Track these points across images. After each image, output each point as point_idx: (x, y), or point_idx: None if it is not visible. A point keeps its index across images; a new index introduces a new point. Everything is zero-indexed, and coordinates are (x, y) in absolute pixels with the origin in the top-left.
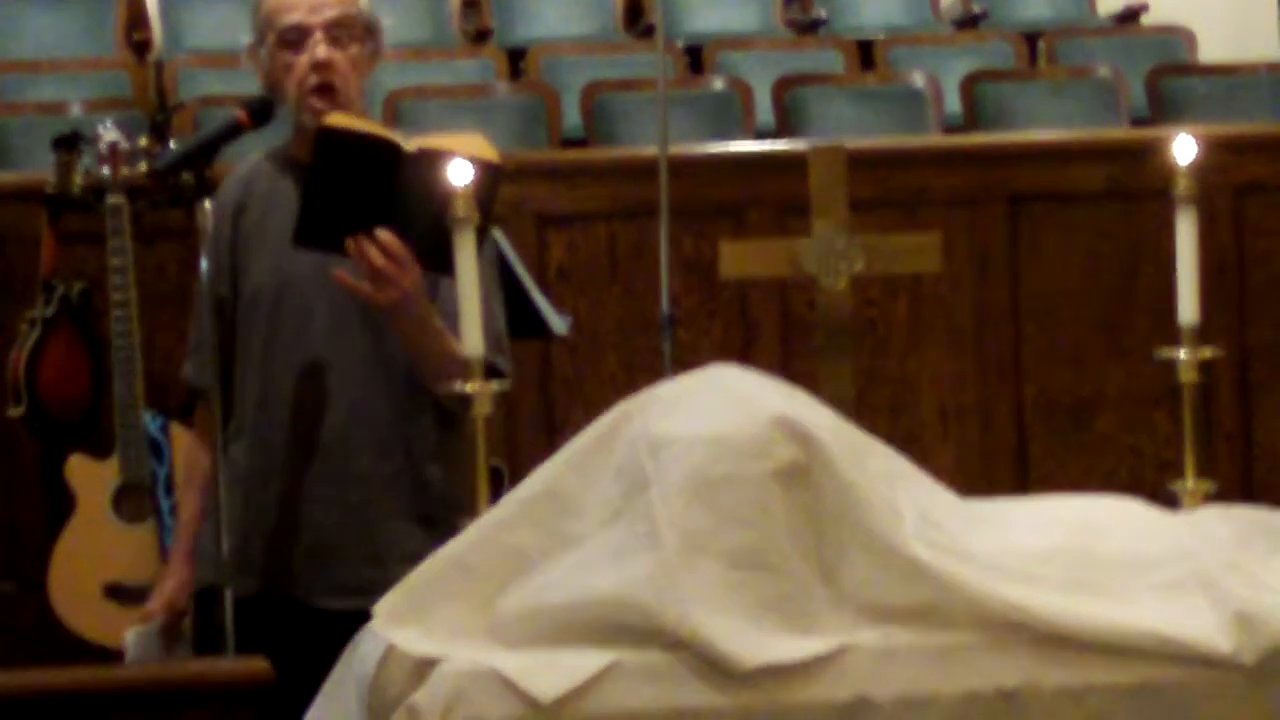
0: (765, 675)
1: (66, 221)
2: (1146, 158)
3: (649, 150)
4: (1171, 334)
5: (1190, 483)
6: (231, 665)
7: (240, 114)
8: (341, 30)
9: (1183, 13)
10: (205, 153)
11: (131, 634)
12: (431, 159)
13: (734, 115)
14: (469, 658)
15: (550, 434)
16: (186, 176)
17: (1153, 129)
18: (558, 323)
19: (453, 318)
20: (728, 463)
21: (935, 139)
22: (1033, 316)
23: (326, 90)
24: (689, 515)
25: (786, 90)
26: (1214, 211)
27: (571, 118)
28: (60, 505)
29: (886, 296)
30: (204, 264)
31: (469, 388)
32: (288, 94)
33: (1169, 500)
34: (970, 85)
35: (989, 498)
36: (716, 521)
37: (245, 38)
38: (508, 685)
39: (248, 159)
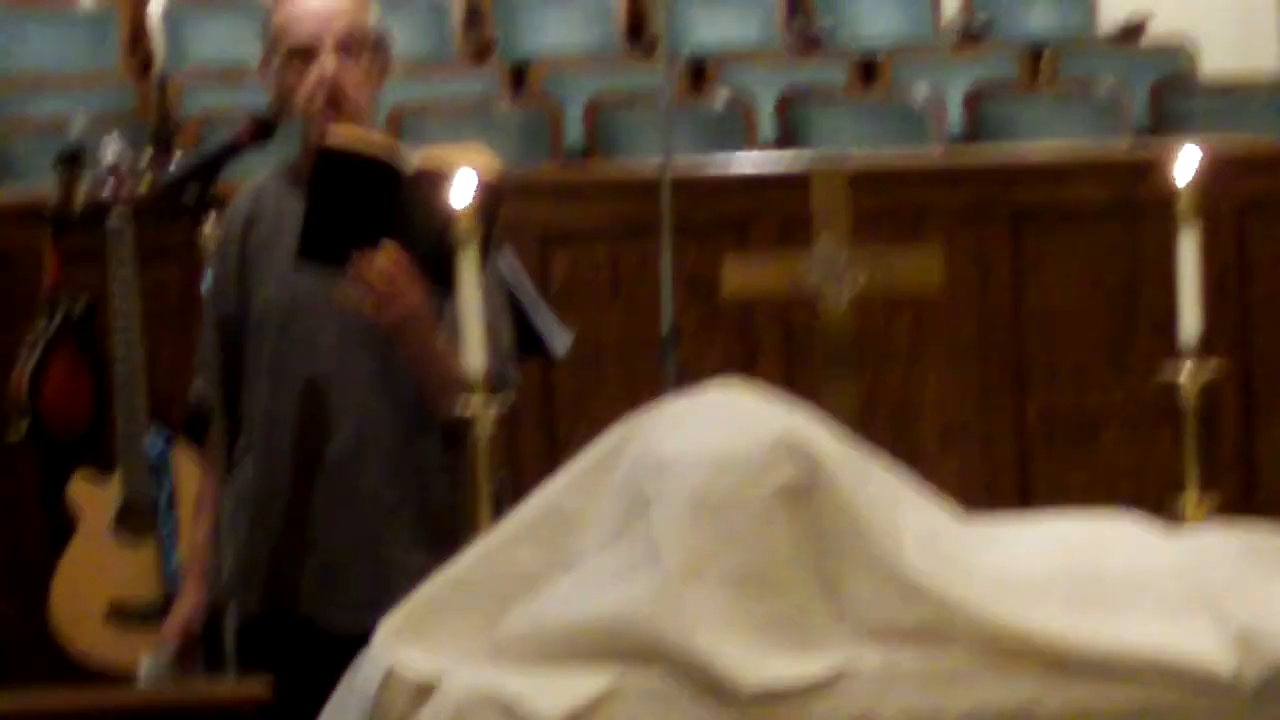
0: (767, 696)
1: (69, 238)
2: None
3: (651, 166)
4: (1174, 350)
5: (1192, 500)
6: (232, 686)
7: (244, 130)
8: (351, 45)
9: (1185, 27)
10: (208, 170)
11: (145, 661)
12: (432, 177)
13: (737, 130)
14: (471, 678)
15: (552, 452)
16: (189, 193)
17: (1155, 144)
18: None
19: (458, 336)
20: (730, 483)
21: (938, 154)
22: (1035, 333)
23: (337, 104)
24: (691, 535)
25: (789, 105)
26: (1217, 227)
27: (574, 132)
28: (62, 524)
29: (888, 313)
30: (208, 280)
31: (471, 402)
32: (297, 108)
33: (1171, 518)
34: (973, 99)
35: (991, 516)
36: (718, 542)
37: (248, 53)
38: (509, 706)
39: (257, 175)
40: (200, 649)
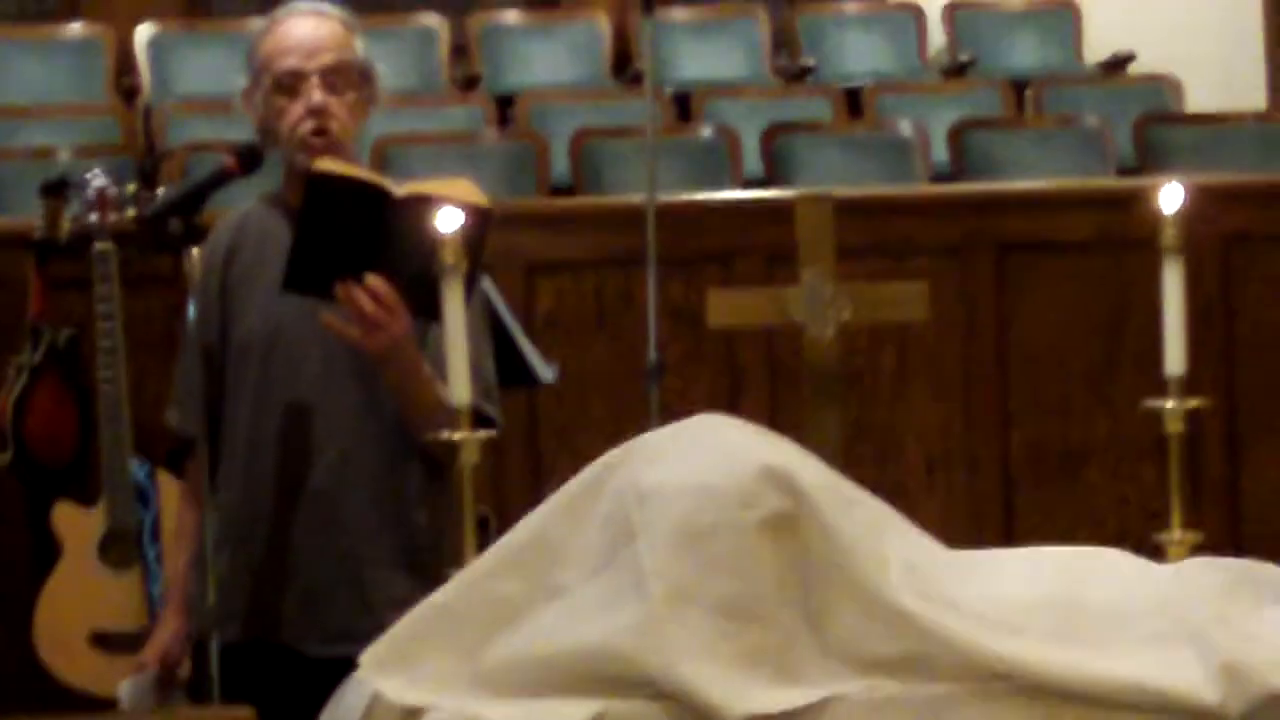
0: None
1: (54, 268)
2: (1133, 207)
3: (637, 198)
4: (1159, 383)
5: (1177, 533)
6: (217, 713)
7: (229, 161)
8: (338, 76)
9: (1170, 62)
10: (194, 200)
11: (125, 685)
12: (421, 204)
13: (722, 163)
14: (455, 707)
15: (537, 482)
16: (175, 223)
17: (1140, 178)
18: (545, 371)
19: (442, 365)
20: (714, 512)
21: (923, 188)
22: (1020, 365)
23: (322, 136)
24: (676, 565)
25: (774, 138)
26: (1201, 261)
27: (560, 165)
28: (46, 552)
29: (874, 345)
30: (191, 310)
31: (456, 436)
32: (282, 138)
33: (1156, 551)
34: (958, 134)
35: (976, 547)
36: (703, 571)
37: (235, 84)
38: None
39: (239, 205)
40: (178, 676)
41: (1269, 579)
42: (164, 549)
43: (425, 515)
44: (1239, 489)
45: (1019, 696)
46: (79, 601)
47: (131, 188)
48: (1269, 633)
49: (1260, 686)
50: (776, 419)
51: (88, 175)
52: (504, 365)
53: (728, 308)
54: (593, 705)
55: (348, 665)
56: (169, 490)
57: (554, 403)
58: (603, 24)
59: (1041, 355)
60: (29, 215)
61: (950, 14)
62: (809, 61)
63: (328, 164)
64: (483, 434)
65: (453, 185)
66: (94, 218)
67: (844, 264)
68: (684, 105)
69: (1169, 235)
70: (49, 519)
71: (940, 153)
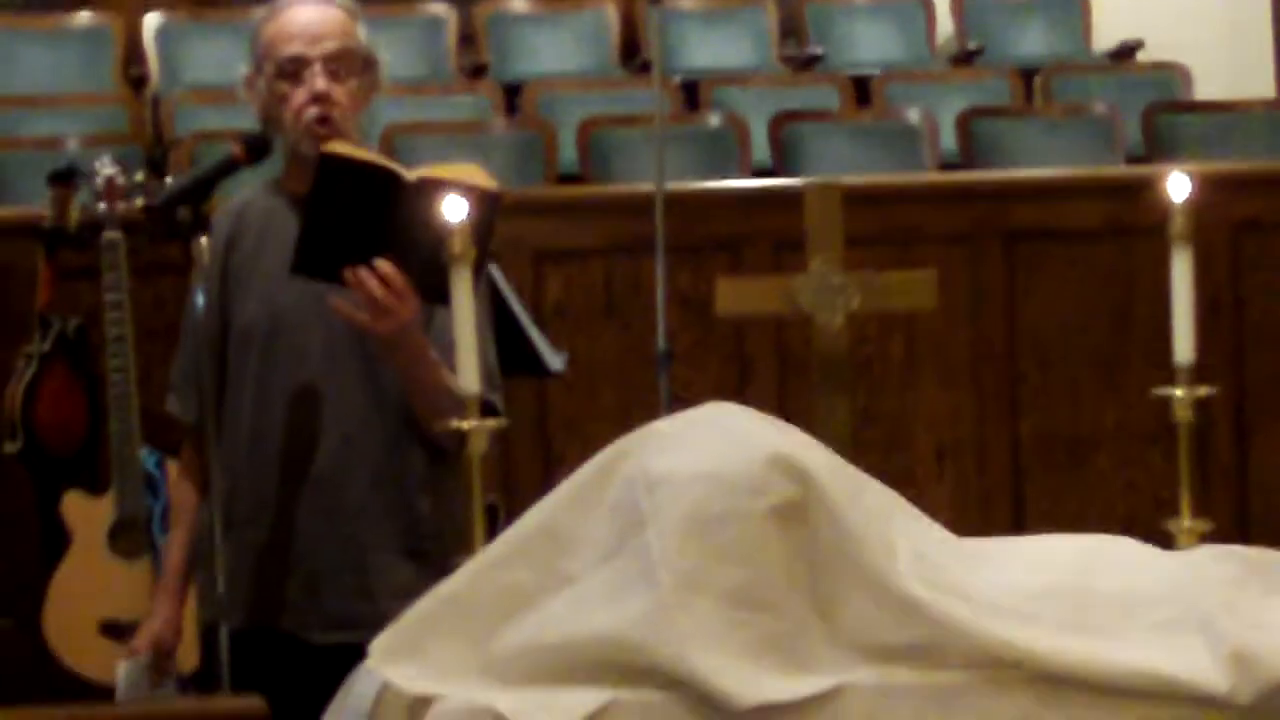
0: (761, 714)
1: (63, 257)
2: (1142, 195)
3: (646, 186)
4: (1168, 371)
5: (1186, 521)
6: (227, 703)
7: (237, 150)
8: (340, 63)
9: (1179, 49)
10: (202, 188)
11: (123, 666)
12: (431, 189)
13: (730, 151)
14: (465, 696)
15: (546, 471)
16: (183, 212)
17: (1149, 166)
18: (554, 360)
19: (446, 350)
20: (724, 500)
21: (931, 176)
22: (1029, 353)
23: (325, 123)
24: (685, 553)
25: (783, 126)
26: (1210, 249)
27: (568, 153)
28: (56, 541)
29: (882, 333)
30: (199, 298)
31: (465, 425)
32: (284, 125)
33: (1165, 539)
34: (966, 122)
35: (985, 535)
36: (712, 559)
37: (242, 73)
38: None
39: (239, 193)
40: (171, 663)
41: (1278, 567)
42: None
43: (428, 502)
44: (1247, 477)
45: (1028, 685)
46: (89, 590)
47: (140, 177)
48: (1278, 621)
49: (1270, 674)
50: (785, 407)
51: (96, 164)
52: (513, 354)
53: (736, 296)
54: (602, 694)
55: (350, 652)
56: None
57: (563, 391)
58: (610, 12)
59: (1050, 343)
60: (38, 204)
61: (959, 2)
62: (817, 50)
63: (338, 146)
64: (492, 423)
65: (462, 170)
66: (102, 207)
67: (852, 252)
68: (692, 94)
69: (1178, 223)
70: (58, 508)
71: (949, 141)
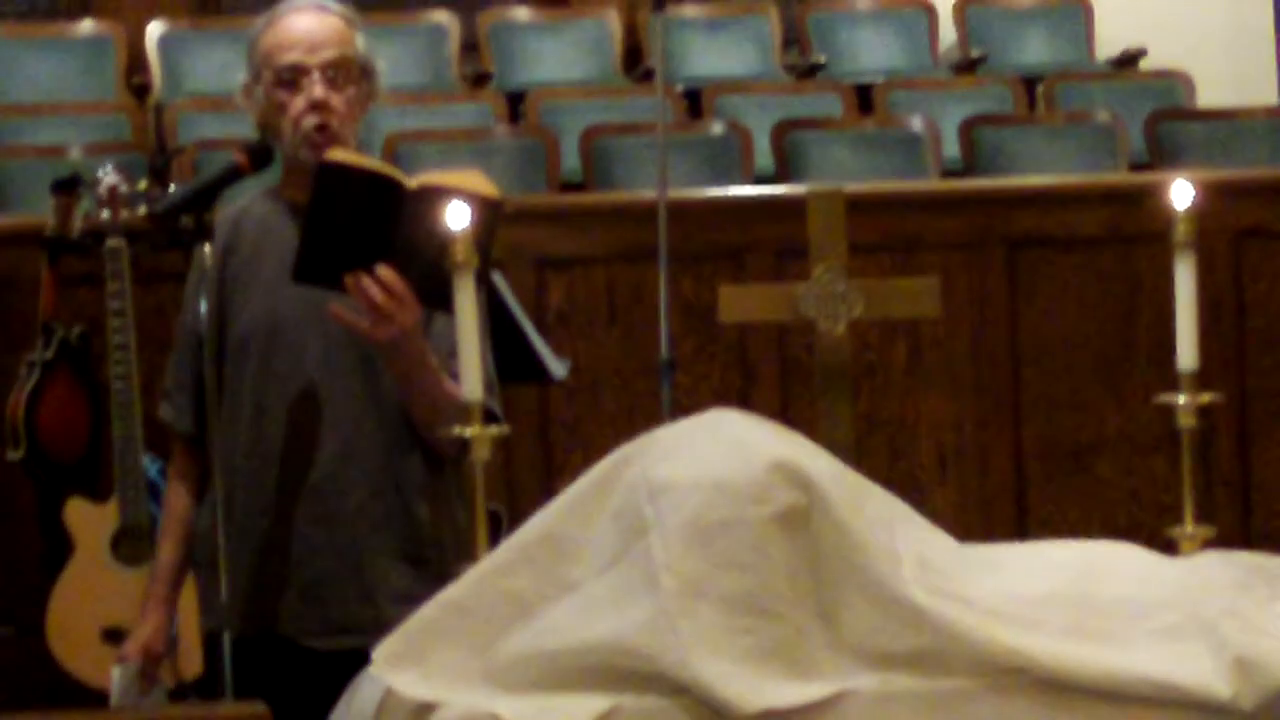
0: (766, 716)
1: (66, 264)
2: (1145, 202)
3: (648, 194)
4: (1170, 378)
5: (1189, 528)
6: (231, 709)
7: (240, 158)
8: (339, 72)
9: (1181, 57)
10: (205, 196)
11: (117, 670)
12: (432, 195)
13: (733, 159)
14: (468, 703)
15: (549, 478)
16: (186, 220)
17: (1151, 173)
18: (556, 367)
19: (445, 357)
20: (727, 507)
21: (934, 183)
22: (1031, 360)
23: (323, 131)
24: (688, 560)
25: (785, 134)
26: (1212, 256)
27: (570, 161)
28: (59, 549)
29: (885, 340)
30: (202, 306)
31: (468, 432)
32: (283, 133)
33: (1168, 545)
34: (969, 129)
35: (987, 542)
36: (715, 566)
37: (240, 81)
38: None
39: (235, 201)
40: (160, 671)
41: None
42: None
43: (427, 508)
44: (1250, 483)
45: (1032, 691)
46: (91, 597)
47: (143, 185)
48: None
49: (1273, 680)
50: (788, 414)
51: (99, 173)
52: (515, 361)
53: (739, 303)
54: (605, 701)
55: (352, 658)
56: None
57: (565, 398)
58: (613, 20)
59: (1053, 350)
60: (40, 213)
61: (961, 10)
62: (820, 58)
63: (339, 154)
64: (495, 430)
65: (464, 177)
66: (105, 215)
67: (855, 259)
68: (695, 101)
69: (1180, 231)
70: (61, 515)
71: (951, 149)
